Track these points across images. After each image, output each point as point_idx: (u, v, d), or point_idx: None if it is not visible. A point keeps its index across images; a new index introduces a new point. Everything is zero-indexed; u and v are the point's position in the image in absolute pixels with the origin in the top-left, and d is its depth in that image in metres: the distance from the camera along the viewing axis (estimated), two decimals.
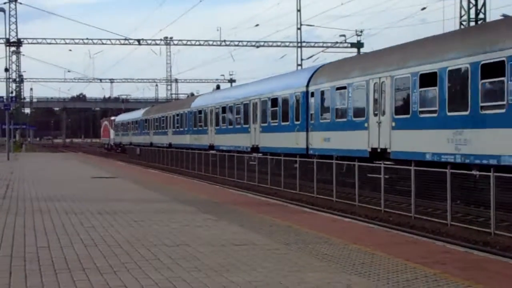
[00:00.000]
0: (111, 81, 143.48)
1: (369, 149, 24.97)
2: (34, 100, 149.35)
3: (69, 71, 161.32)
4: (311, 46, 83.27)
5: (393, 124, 23.49)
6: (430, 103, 21.63)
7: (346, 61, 31.98)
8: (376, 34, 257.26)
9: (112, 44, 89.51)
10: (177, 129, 54.70)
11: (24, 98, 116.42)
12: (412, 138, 22.49)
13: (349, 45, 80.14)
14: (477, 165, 19.01)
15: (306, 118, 30.64)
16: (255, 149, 36.28)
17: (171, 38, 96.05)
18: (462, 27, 43.36)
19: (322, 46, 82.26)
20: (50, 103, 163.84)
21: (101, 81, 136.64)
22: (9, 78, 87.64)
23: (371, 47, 78.21)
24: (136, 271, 9.24)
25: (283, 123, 33.14)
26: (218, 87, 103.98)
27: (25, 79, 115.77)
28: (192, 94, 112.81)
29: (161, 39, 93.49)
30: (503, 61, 18.16)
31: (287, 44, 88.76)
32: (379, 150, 24.42)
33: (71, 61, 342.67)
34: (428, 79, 21.49)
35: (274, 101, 34.30)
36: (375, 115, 24.70)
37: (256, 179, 32.05)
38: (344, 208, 22.37)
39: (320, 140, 29.31)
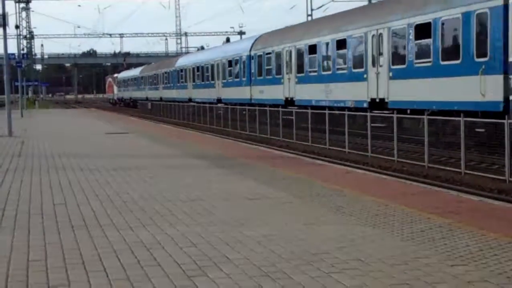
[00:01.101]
0: (121, 36, 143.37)
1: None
2: (45, 56, 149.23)
3: (79, 27, 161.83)
4: None
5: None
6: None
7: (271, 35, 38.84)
8: None
9: None
10: (166, 85, 63.15)
11: (35, 55, 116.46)
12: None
13: None
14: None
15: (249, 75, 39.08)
16: (219, 100, 45.02)
17: None
18: None
19: None
20: (61, 59, 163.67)
21: (111, 36, 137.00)
22: (20, 35, 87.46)
23: None
24: (152, 226, 9.33)
25: (236, 80, 41.95)
26: (228, 40, 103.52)
27: (36, 35, 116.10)
28: (202, 48, 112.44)
29: None
30: None
31: None
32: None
33: (80, 17, 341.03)
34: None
35: (230, 63, 43.06)
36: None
37: (268, 131, 32.11)
38: (357, 159, 22.39)
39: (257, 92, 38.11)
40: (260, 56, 37.35)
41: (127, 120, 49.15)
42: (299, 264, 7.18)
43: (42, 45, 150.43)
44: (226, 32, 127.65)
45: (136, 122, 44.74)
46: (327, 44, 29.19)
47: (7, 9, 32.08)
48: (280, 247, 7.96)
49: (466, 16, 19.71)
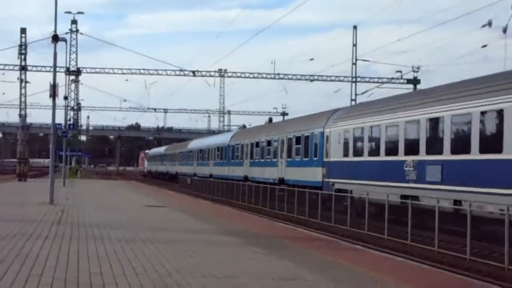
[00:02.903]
0: (165, 111, 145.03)
1: None
2: (90, 128, 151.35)
3: (125, 100, 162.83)
4: (366, 82, 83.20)
5: None
6: None
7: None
8: (434, 71, 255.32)
9: (167, 74, 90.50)
10: (180, 162, 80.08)
11: (81, 126, 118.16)
12: None
13: (405, 81, 79.85)
14: None
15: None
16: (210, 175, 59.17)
17: (225, 70, 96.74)
18: None
19: (377, 82, 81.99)
20: (106, 131, 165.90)
21: (155, 111, 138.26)
22: (68, 106, 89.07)
23: (428, 84, 77.84)
24: None
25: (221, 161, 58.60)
26: (270, 120, 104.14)
27: (83, 107, 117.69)
28: (244, 126, 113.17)
29: (215, 71, 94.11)
30: None
31: (341, 78, 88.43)
32: None
33: (127, 90, 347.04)
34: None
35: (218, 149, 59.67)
36: None
37: (306, 213, 31.99)
38: (396, 246, 22.13)
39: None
40: (234, 145, 54.49)
41: (165, 193, 49.38)
42: None
43: (88, 117, 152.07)
44: (269, 112, 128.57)
45: (173, 196, 44.89)
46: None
47: (57, 80, 32.79)
48: None
49: (310, 135, 36.30)
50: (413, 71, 79.31)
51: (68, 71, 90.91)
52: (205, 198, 47.76)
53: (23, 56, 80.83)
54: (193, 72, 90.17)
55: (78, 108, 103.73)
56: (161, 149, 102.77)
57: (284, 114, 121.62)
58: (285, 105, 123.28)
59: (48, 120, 35.95)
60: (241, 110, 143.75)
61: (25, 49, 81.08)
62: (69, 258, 13.17)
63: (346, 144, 32.11)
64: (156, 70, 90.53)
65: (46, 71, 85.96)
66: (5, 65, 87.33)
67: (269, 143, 44.96)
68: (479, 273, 16.81)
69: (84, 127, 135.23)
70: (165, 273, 11.68)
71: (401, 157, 26.45)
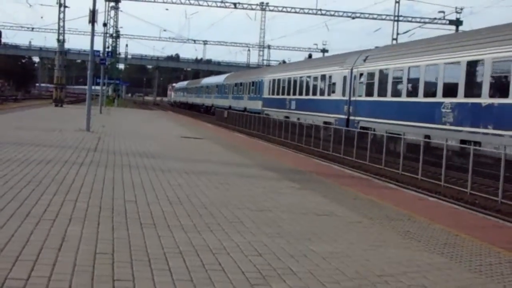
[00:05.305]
0: (205, 43, 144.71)
1: None
2: (129, 56, 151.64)
3: (164, 30, 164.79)
4: (408, 21, 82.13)
5: None
6: None
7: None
8: (478, 13, 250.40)
9: (208, 6, 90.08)
10: (196, 94, 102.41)
11: (119, 54, 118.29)
12: None
13: (447, 22, 78.60)
14: None
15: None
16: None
17: (267, 3, 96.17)
18: None
19: (419, 22, 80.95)
20: (144, 60, 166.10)
21: (195, 42, 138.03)
22: (106, 33, 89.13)
23: (470, 26, 76.57)
24: (219, 232, 9.37)
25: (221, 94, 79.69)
26: (310, 56, 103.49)
27: (122, 35, 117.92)
28: (284, 62, 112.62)
29: (257, 4, 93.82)
30: None
31: (383, 17, 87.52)
32: None
33: (167, 20, 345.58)
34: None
35: (217, 86, 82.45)
36: None
37: (341, 150, 32.02)
38: (429, 187, 22.12)
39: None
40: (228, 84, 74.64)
41: (201, 125, 49.58)
42: (363, 284, 7.12)
43: (126, 45, 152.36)
44: (309, 48, 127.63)
45: (210, 128, 45.09)
46: None
47: (97, 6, 32.73)
48: (345, 265, 7.91)
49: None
50: (456, 12, 78.02)
51: None
52: (241, 132, 47.94)
53: None
54: (235, 4, 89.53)
55: (117, 36, 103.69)
56: (184, 83, 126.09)
57: (324, 50, 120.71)
58: (326, 41, 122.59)
59: (86, 47, 36.18)
60: (281, 45, 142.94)
61: None
62: (104, 185, 13.34)
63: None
64: (197, 0, 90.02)
65: None
66: None
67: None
68: (509, 215, 16.83)
69: (122, 56, 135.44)
70: (199, 203, 11.79)
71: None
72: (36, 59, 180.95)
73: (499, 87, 23.01)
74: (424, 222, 11.67)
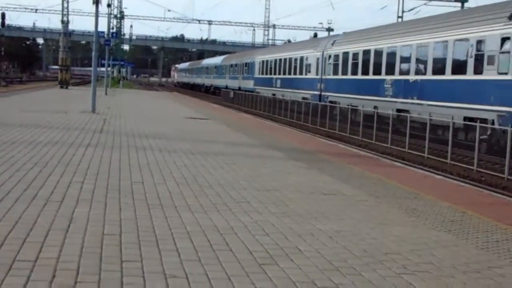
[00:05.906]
0: (210, 23, 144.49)
1: None
2: (133, 37, 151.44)
3: (169, 10, 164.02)
4: None
5: None
6: None
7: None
8: None
9: None
10: (197, 75, 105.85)
11: (124, 35, 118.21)
12: None
13: None
14: None
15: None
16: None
17: None
18: None
19: None
20: (149, 41, 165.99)
21: (199, 23, 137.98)
22: (111, 14, 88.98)
23: (476, 3, 76.20)
24: (226, 212, 9.39)
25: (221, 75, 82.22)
26: (315, 35, 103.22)
27: (126, 15, 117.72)
28: (289, 41, 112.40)
29: None
30: None
31: None
32: None
33: (171, 1, 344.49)
34: None
35: (215, 67, 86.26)
36: None
37: (347, 130, 32.01)
38: (436, 165, 22.11)
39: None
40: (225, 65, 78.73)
41: (208, 106, 49.58)
42: (370, 262, 7.13)
43: (131, 26, 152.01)
44: (314, 27, 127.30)
45: (217, 110, 45.08)
46: None
47: None
48: (352, 243, 7.93)
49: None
50: None
51: None
52: (247, 112, 47.93)
53: None
54: None
55: (121, 17, 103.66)
56: (186, 65, 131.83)
57: (329, 29, 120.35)
58: (331, 20, 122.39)
59: (91, 28, 36.15)
60: (286, 24, 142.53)
61: None
62: (110, 166, 13.36)
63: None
64: None
65: None
66: None
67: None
68: None
69: (127, 36, 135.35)
70: (206, 184, 11.81)
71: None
72: (40, 40, 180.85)
73: (422, 67, 28.78)
74: (430, 200, 11.68)
